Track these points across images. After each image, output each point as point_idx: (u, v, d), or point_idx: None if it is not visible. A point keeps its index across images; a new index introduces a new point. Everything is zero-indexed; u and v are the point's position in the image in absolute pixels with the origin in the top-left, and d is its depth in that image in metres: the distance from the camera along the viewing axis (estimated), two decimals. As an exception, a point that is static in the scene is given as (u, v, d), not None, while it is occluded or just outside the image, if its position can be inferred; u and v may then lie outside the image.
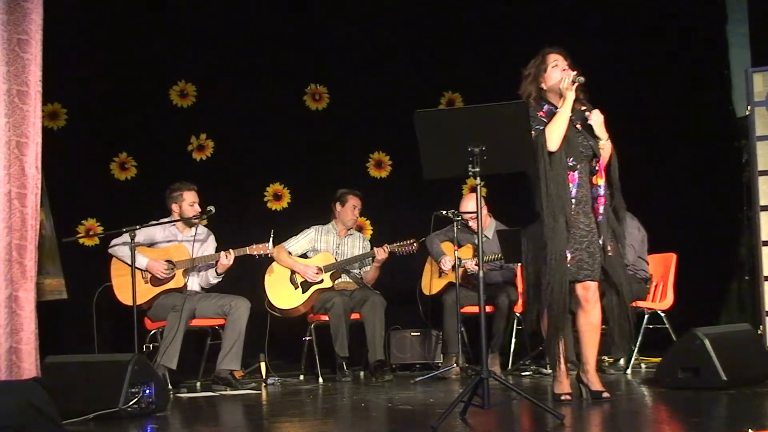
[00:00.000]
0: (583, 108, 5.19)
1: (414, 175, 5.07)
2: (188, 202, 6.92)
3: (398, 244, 7.30)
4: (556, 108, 5.11)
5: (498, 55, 8.00)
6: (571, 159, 5.07)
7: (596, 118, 5.10)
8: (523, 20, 8.15)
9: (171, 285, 6.83)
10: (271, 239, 6.90)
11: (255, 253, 6.89)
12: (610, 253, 5.13)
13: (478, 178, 4.70)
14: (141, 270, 6.74)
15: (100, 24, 7.71)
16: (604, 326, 5.33)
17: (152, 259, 6.80)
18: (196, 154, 8.11)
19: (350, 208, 7.49)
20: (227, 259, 6.80)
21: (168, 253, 6.89)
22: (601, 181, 5.11)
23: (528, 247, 5.14)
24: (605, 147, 5.12)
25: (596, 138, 5.13)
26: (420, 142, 4.72)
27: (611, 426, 4.68)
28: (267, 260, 7.18)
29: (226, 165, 8.06)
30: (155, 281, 6.82)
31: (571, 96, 5.06)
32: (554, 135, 5.02)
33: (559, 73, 5.11)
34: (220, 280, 6.96)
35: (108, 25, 7.74)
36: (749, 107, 7.06)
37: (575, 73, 5.07)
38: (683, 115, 8.15)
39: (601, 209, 5.10)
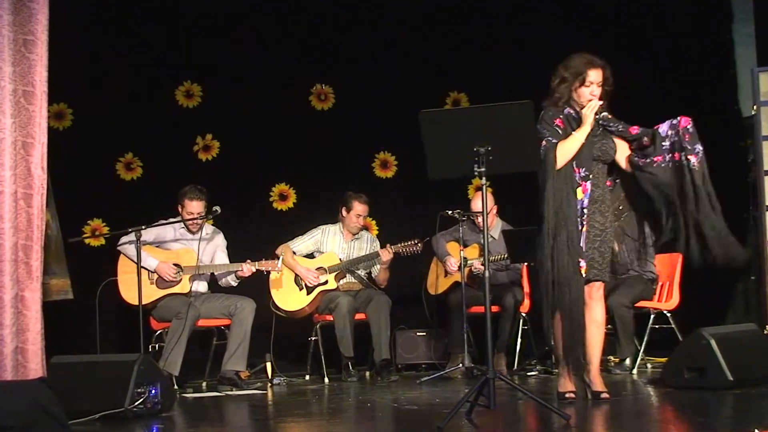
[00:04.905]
0: (606, 115, 5.19)
1: (420, 175, 5.07)
2: (187, 210, 6.90)
3: (402, 244, 7.27)
4: (577, 114, 5.11)
5: (504, 55, 8.00)
6: (584, 170, 5.06)
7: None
8: (528, 20, 8.13)
9: (176, 289, 6.82)
10: (280, 259, 6.95)
11: (264, 268, 6.93)
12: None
13: (484, 178, 4.71)
14: (149, 271, 6.76)
15: (106, 24, 7.73)
16: (609, 326, 5.32)
17: (162, 261, 6.81)
18: (201, 154, 8.11)
19: (354, 216, 7.40)
20: (249, 272, 6.85)
21: (178, 257, 6.88)
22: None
23: (541, 254, 5.11)
24: None
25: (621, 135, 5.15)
26: (425, 142, 4.72)
27: (617, 426, 4.67)
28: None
29: (232, 165, 8.06)
30: (161, 283, 6.81)
31: (589, 123, 5.06)
32: (562, 156, 5.01)
33: (588, 96, 5.09)
34: (238, 283, 7.02)
35: (114, 25, 7.75)
36: (755, 107, 7.05)
37: (601, 103, 5.08)
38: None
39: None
